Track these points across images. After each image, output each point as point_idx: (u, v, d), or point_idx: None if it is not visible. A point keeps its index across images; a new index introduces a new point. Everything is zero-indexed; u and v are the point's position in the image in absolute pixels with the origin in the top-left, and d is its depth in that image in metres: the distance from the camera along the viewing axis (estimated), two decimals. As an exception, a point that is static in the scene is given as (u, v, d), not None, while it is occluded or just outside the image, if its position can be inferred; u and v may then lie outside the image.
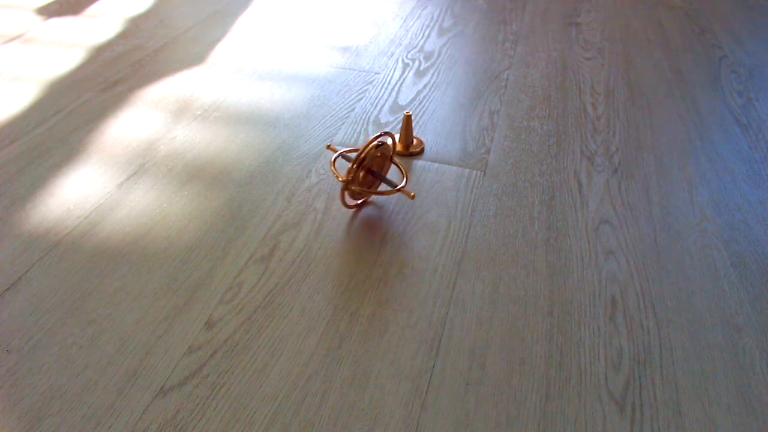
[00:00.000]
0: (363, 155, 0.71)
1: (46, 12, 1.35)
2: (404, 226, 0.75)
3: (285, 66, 1.14)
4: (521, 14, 1.42)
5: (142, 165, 0.85)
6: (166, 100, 1.01)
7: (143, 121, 0.95)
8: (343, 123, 0.96)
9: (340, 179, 0.71)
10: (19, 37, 1.22)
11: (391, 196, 0.80)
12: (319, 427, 0.52)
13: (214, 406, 0.53)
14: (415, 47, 1.23)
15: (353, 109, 1.00)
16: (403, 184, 0.74)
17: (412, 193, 0.71)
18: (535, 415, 0.54)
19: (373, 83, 1.08)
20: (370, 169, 0.74)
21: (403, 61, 1.17)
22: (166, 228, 0.74)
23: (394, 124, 0.96)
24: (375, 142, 0.71)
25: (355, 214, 0.77)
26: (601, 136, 0.95)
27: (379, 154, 0.75)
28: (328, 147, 0.74)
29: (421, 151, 0.90)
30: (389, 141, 0.90)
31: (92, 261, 0.68)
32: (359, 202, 0.78)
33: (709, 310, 0.65)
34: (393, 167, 0.86)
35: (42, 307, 0.63)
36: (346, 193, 0.75)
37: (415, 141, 0.91)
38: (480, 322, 0.62)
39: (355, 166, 0.70)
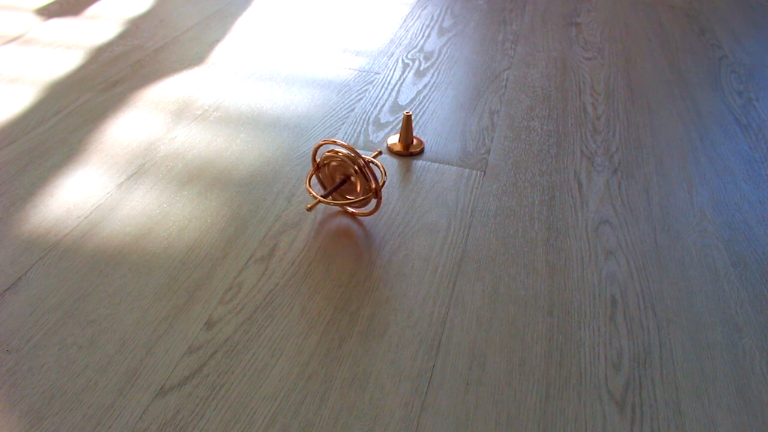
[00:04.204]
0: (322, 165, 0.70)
1: (46, 13, 1.35)
2: (404, 226, 0.75)
3: (285, 66, 1.14)
4: (521, 14, 1.42)
5: (142, 165, 0.85)
6: (166, 100, 1.01)
7: (143, 122, 0.95)
8: (343, 123, 0.96)
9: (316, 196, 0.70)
10: (19, 37, 1.22)
11: (390, 196, 0.80)
12: (319, 427, 0.52)
13: (214, 406, 0.53)
14: (415, 47, 1.23)
15: (353, 109, 1.00)
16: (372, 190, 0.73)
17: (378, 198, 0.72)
18: (535, 415, 0.54)
19: (373, 83, 1.08)
20: (341, 180, 0.74)
21: (403, 61, 1.17)
22: (166, 228, 0.74)
23: (394, 124, 0.96)
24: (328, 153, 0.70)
25: (354, 215, 0.77)
26: (601, 136, 0.95)
27: (334, 163, 0.74)
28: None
29: (421, 151, 0.90)
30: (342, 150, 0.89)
31: (92, 261, 0.68)
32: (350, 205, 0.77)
33: (709, 310, 0.65)
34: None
35: (42, 307, 0.63)
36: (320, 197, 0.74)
37: (415, 141, 0.91)
38: (480, 322, 0.62)
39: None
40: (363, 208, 0.78)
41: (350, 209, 0.77)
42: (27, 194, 0.79)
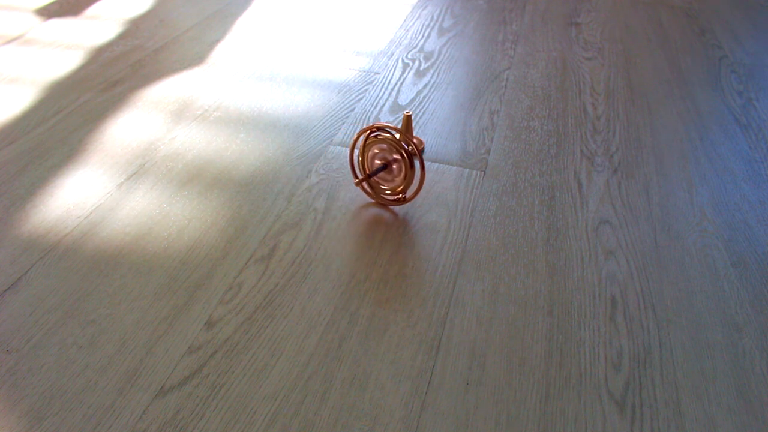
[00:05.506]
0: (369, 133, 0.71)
1: (45, 13, 1.35)
2: (404, 226, 0.75)
3: (285, 66, 1.14)
4: (521, 14, 1.42)
5: (142, 165, 0.85)
6: (166, 101, 1.01)
7: (143, 122, 0.95)
8: (343, 123, 0.96)
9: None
10: (19, 38, 1.22)
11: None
12: (319, 427, 0.52)
13: (214, 406, 0.53)
14: (415, 47, 1.23)
15: (353, 109, 1.00)
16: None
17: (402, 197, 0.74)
18: (535, 415, 0.54)
19: (373, 83, 1.09)
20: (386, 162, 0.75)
21: (403, 61, 1.17)
22: (166, 228, 0.74)
23: (394, 124, 0.96)
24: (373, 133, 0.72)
25: (354, 213, 0.77)
26: (601, 136, 0.95)
27: (381, 149, 0.75)
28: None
29: (421, 151, 0.90)
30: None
31: (92, 261, 0.68)
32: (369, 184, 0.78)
33: (709, 310, 0.65)
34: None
35: (42, 307, 0.63)
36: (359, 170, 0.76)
37: (415, 141, 0.91)
38: (480, 322, 0.62)
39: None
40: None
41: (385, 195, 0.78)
42: (27, 194, 0.79)
